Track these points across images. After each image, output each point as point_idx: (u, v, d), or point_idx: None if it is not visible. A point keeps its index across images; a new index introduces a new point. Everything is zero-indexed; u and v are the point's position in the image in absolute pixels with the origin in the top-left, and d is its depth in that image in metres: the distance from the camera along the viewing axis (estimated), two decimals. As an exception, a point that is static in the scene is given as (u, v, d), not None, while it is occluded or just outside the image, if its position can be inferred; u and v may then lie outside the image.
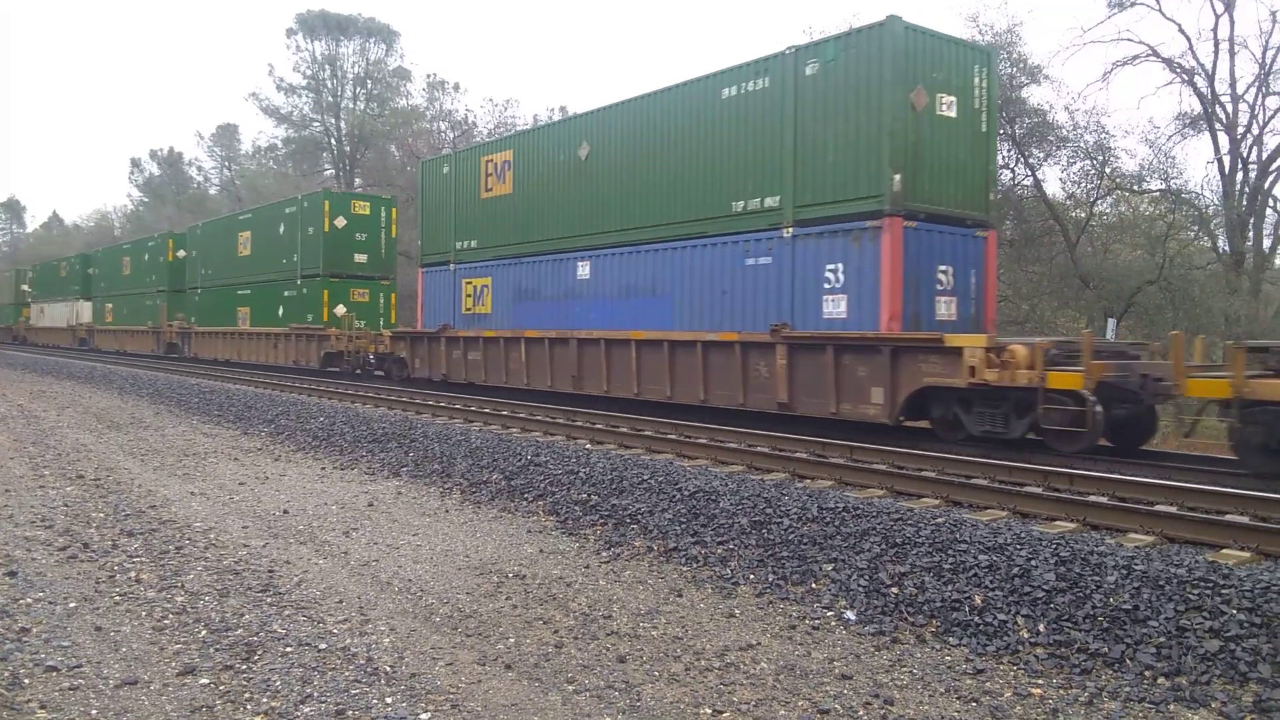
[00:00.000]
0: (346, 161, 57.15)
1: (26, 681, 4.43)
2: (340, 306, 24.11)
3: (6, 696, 4.22)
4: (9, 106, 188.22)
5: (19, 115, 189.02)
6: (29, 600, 5.68)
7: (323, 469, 10.95)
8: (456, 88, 59.71)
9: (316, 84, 60.04)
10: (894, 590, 5.76)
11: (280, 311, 25.83)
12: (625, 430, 12.35)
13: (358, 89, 60.67)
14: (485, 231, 18.20)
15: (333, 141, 60.03)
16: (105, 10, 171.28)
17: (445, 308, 19.41)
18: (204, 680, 4.50)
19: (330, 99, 60.02)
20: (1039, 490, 8.20)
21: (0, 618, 5.31)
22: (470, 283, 18.59)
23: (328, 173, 58.13)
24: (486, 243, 18.14)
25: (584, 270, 15.60)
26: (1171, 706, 4.31)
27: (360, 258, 24.97)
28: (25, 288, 55.02)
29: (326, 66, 60.10)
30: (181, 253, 34.26)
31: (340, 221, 24.52)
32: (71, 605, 5.62)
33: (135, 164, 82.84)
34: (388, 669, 4.69)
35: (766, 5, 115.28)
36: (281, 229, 26.23)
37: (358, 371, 22.86)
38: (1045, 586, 5.43)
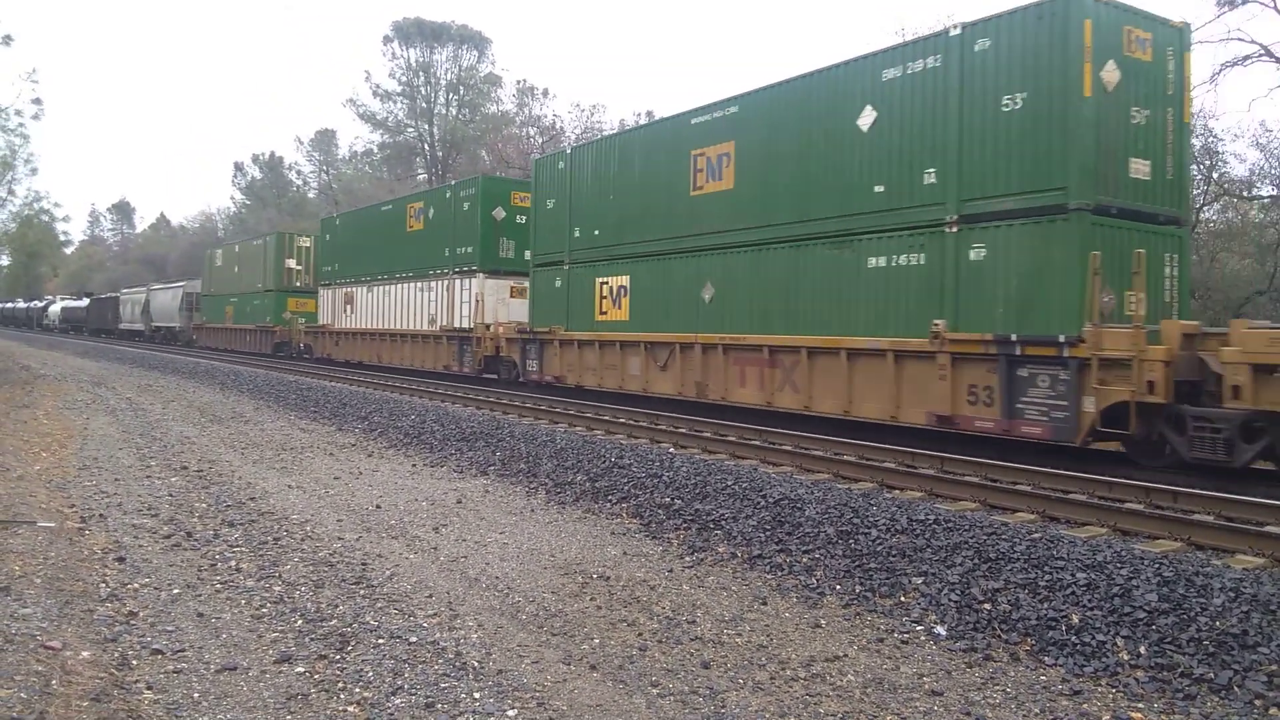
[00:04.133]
0: (439, 166, 58.37)
1: (134, 663, 4.63)
2: None
3: (116, 676, 4.41)
4: (120, 113, 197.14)
5: (129, 121, 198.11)
6: (136, 585, 5.93)
7: (413, 466, 11.18)
8: (545, 93, 60.63)
9: (411, 90, 61.54)
10: (986, 606, 5.62)
11: None
12: (709, 435, 12.32)
13: (450, 95, 61.98)
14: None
15: (426, 147, 61.37)
16: (209, 21, 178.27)
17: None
18: (299, 669, 4.63)
19: (424, 105, 61.42)
20: (1140, 507, 7.91)
21: (110, 601, 5.56)
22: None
23: (421, 177, 59.46)
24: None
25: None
26: (1284, 738, 4.10)
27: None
28: (292, 264, 33.64)
29: (420, 73, 61.57)
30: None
31: None
32: (175, 591, 5.84)
33: (238, 168, 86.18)
34: (475, 664, 4.76)
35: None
36: None
37: None
38: (1147, 607, 5.23)
